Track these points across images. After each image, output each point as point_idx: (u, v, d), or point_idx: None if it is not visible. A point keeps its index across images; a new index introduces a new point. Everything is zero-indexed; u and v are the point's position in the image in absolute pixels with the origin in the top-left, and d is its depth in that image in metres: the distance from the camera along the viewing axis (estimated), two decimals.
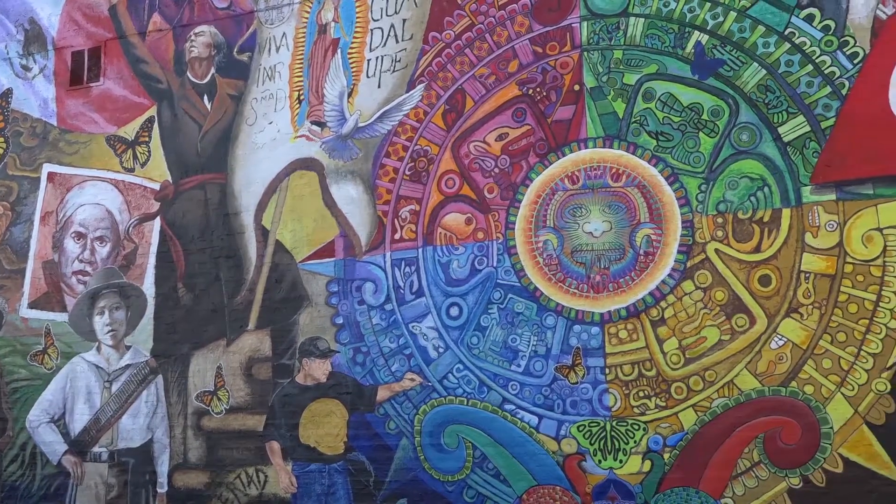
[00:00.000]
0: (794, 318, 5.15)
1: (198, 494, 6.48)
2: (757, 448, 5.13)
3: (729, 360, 5.24)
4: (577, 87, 5.78)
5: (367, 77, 6.41)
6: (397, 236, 6.12)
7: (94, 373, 6.93)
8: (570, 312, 5.60)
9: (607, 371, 5.47)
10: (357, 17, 6.51)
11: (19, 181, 7.53)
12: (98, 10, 7.49)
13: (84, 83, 7.44)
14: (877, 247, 5.04)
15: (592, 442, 5.44)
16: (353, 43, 6.51)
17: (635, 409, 5.39)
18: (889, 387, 4.92)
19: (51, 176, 7.43)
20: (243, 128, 6.78)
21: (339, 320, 6.19)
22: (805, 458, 5.03)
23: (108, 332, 6.93)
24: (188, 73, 7.07)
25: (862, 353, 4.99)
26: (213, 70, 6.98)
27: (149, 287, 6.89)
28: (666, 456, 5.31)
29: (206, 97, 6.97)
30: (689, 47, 5.57)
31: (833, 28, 5.29)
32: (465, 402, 5.77)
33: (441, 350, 5.88)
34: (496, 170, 5.93)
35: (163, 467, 6.62)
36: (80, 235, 7.23)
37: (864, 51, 5.21)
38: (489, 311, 5.79)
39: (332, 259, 6.28)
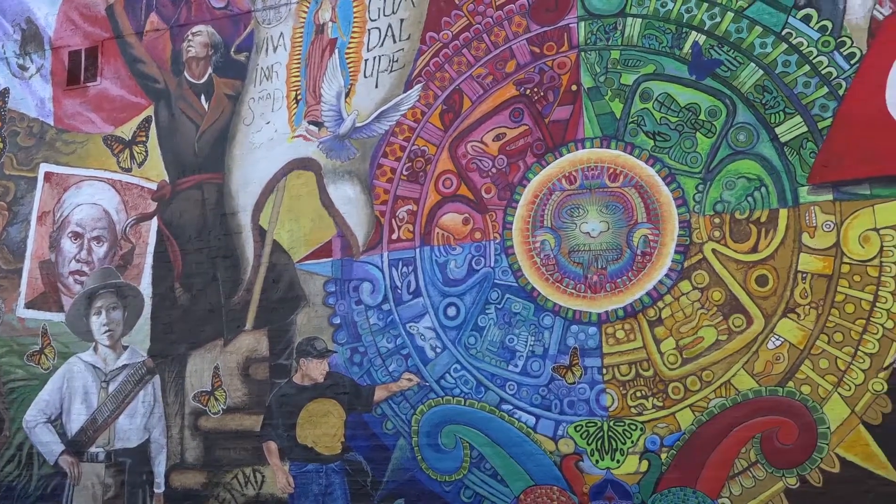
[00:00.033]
0: (791, 318, 5.15)
1: (195, 495, 6.47)
2: (754, 448, 5.14)
3: (726, 360, 5.25)
4: (574, 88, 5.78)
5: (365, 77, 6.41)
6: (394, 236, 6.11)
7: (90, 373, 6.92)
8: (568, 312, 5.60)
9: (604, 371, 5.47)
10: (354, 17, 6.51)
11: (16, 181, 7.52)
12: (95, 10, 7.48)
13: (81, 83, 7.42)
14: (873, 247, 5.05)
15: (590, 442, 5.44)
16: (350, 43, 6.50)
17: (632, 409, 5.39)
18: (886, 387, 4.92)
19: (48, 176, 7.42)
20: (240, 128, 6.77)
21: (337, 320, 6.18)
22: (802, 458, 5.04)
23: (105, 332, 6.92)
24: (185, 73, 7.06)
25: (859, 353, 5.00)
26: (210, 70, 6.97)
27: (146, 287, 6.88)
28: (663, 456, 5.31)
29: (203, 97, 6.96)
30: (687, 48, 5.57)
31: (830, 28, 5.29)
32: (463, 403, 5.77)
33: (438, 350, 5.87)
34: (493, 170, 5.92)
35: (160, 467, 6.61)
36: (77, 235, 7.22)
37: (861, 51, 5.22)
38: (486, 311, 5.79)
39: (330, 259, 6.27)
